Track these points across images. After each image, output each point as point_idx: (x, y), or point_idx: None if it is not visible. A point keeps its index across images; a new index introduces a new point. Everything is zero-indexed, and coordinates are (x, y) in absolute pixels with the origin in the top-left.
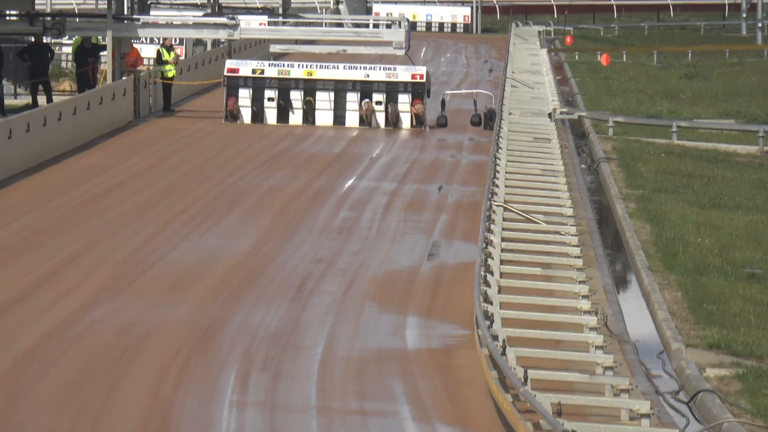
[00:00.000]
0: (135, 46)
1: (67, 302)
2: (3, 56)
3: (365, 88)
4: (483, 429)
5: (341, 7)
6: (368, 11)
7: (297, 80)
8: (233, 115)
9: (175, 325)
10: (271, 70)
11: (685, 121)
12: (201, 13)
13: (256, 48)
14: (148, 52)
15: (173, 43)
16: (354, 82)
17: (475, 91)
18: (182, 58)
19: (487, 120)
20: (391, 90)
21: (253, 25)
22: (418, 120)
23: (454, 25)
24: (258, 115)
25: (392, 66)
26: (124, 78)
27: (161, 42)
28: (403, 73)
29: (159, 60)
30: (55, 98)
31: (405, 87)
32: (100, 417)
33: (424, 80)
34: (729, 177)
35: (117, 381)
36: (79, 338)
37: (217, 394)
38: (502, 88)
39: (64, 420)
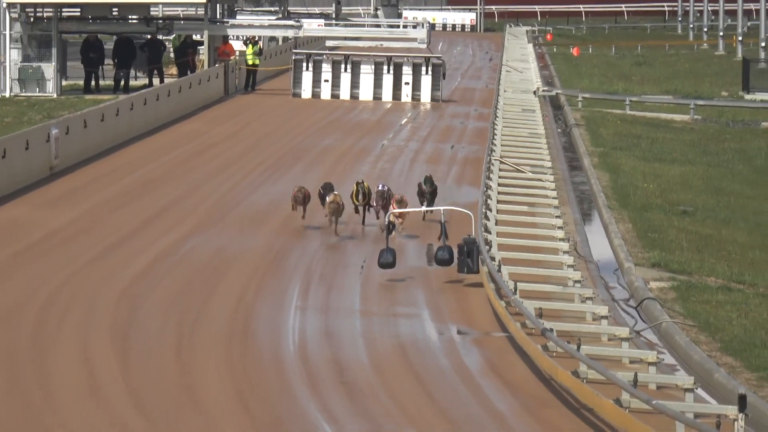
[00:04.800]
0: (230, 42)
1: (173, 233)
2: (136, 51)
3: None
4: (484, 327)
5: (379, 12)
6: (399, 15)
7: (346, 65)
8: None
9: (253, 250)
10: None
11: (635, 96)
12: (274, 17)
13: (315, 43)
14: (237, 46)
15: (256, 39)
16: (387, 66)
17: (441, 208)
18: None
19: (465, 257)
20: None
21: (313, 26)
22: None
23: (463, 26)
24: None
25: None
26: (216, 65)
27: (245, 39)
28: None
29: (246, 52)
30: (165, 80)
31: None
32: (198, 319)
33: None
34: (668, 138)
35: (210, 292)
36: (181, 260)
37: (285, 301)
38: (499, 72)
39: (171, 321)
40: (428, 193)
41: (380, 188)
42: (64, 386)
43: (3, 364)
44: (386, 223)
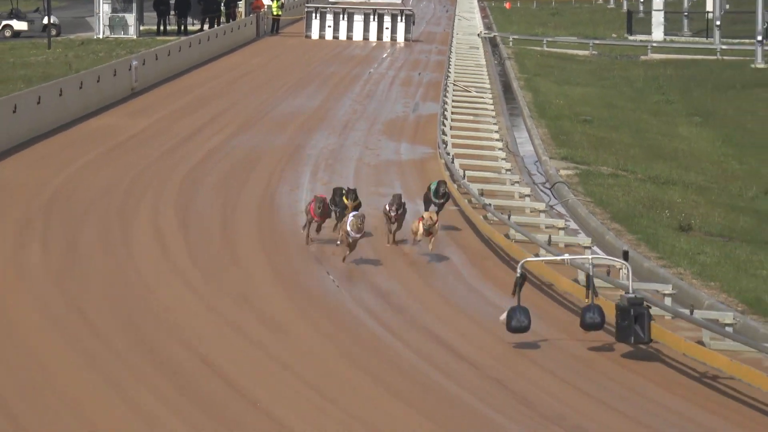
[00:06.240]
0: None
1: (220, 135)
2: (191, 4)
3: (380, 21)
4: None
5: None
6: None
7: (344, 16)
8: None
9: (278, 147)
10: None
11: (550, 37)
12: None
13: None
14: (266, 1)
15: None
16: (373, 16)
17: (590, 257)
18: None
19: (631, 322)
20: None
21: None
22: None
23: None
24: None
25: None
26: (251, 15)
27: None
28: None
29: (272, 6)
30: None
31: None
32: (239, 196)
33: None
34: (574, 68)
35: (247, 177)
36: (227, 154)
37: (299, 184)
38: (453, 20)
39: (220, 197)
40: (439, 202)
41: (391, 201)
42: (140, 245)
43: (98, 230)
44: (517, 275)
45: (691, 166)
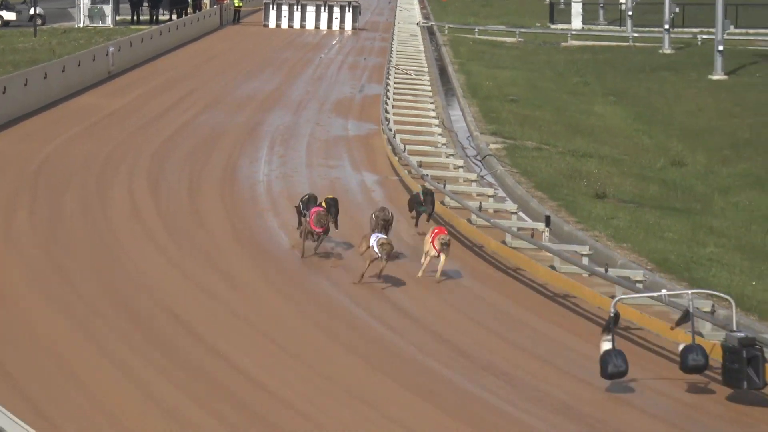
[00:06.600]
0: None
1: (188, 113)
2: None
3: (330, 11)
4: (384, 173)
5: None
6: None
7: (297, 7)
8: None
9: (239, 124)
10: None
11: (481, 26)
12: None
13: None
14: None
15: None
16: (324, 7)
17: (689, 291)
18: None
19: (743, 366)
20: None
21: None
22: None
23: None
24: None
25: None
26: (215, 6)
27: None
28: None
29: None
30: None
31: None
32: (203, 169)
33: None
34: (502, 54)
35: (210, 152)
36: (193, 130)
37: (258, 157)
38: (395, 11)
39: (186, 170)
40: (429, 204)
41: (379, 213)
42: (117, 211)
43: (79, 195)
44: (611, 314)
45: (606, 140)
